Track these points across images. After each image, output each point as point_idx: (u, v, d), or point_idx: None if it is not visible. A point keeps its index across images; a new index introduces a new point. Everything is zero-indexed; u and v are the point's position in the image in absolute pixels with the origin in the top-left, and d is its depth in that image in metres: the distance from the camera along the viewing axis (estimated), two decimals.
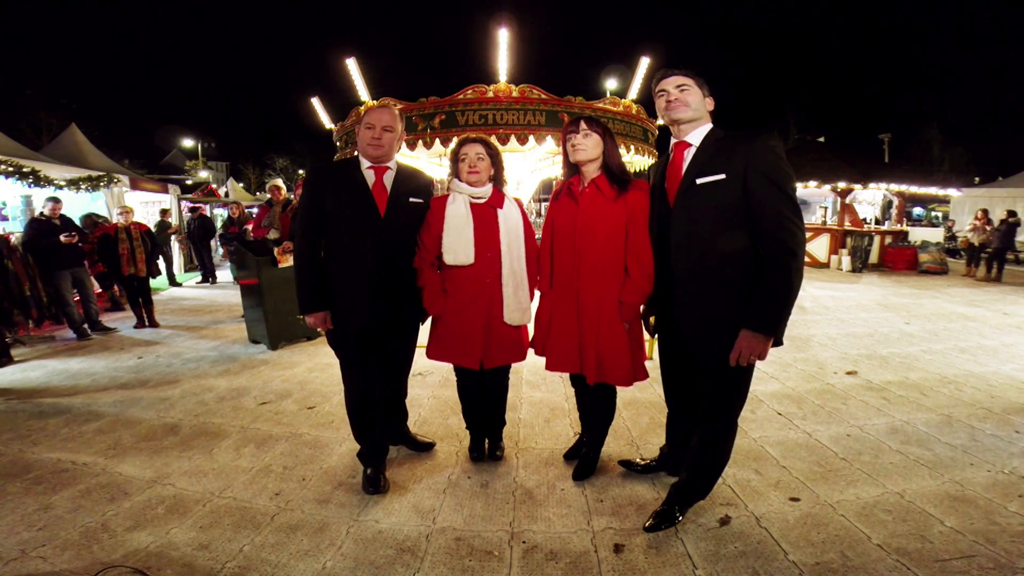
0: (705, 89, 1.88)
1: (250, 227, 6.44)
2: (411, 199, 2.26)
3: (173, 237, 9.73)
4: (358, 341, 2.25)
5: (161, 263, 8.89)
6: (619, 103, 4.70)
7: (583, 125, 2.11)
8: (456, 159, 2.30)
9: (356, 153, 2.27)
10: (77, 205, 7.95)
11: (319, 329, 2.26)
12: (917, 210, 25.11)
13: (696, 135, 1.87)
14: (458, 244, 2.21)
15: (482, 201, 2.27)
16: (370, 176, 2.21)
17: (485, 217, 2.26)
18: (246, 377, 4.01)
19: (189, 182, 23.69)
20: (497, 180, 2.33)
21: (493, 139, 3.96)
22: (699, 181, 1.80)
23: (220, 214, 13.27)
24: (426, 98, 4.25)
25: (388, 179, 2.23)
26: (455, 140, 2.40)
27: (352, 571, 1.83)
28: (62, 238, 5.24)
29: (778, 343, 1.76)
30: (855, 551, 1.89)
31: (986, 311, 6.45)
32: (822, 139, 14.35)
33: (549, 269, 2.25)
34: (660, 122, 5.04)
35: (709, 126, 1.89)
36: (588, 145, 2.09)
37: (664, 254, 1.94)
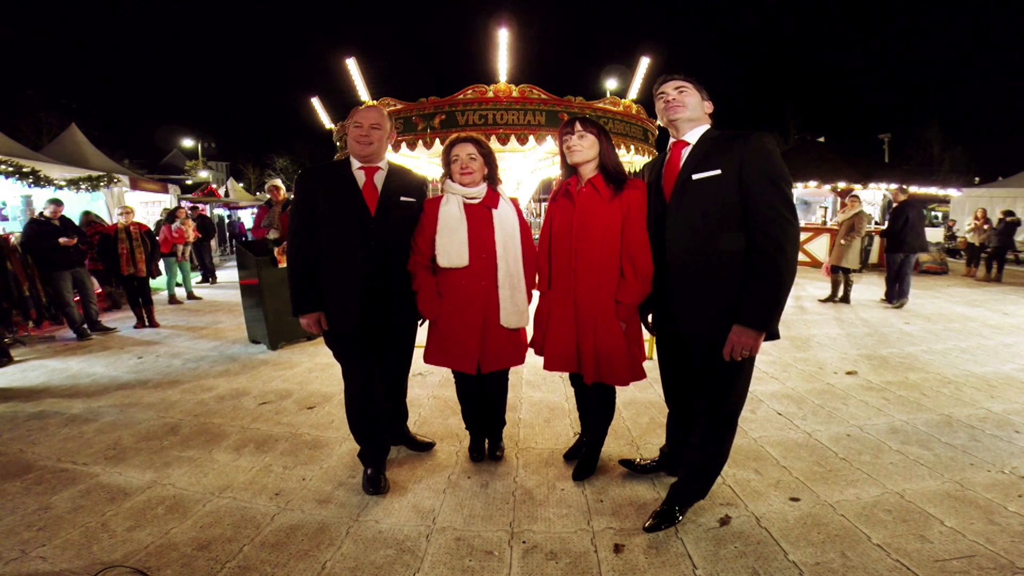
0: (704, 93, 1.92)
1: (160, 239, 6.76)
2: (403, 198, 2.25)
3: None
4: (352, 341, 2.24)
5: (161, 264, 8.88)
6: (619, 103, 4.70)
7: (578, 126, 2.10)
8: (448, 160, 2.28)
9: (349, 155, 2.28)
10: (77, 205, 7.96)
11: (313, 330, 2.26)
12: None
13: (693, 135, 1.90)
14: (451, 246, 2.19)
15: (476, 201, 2.25)
16: (360, 176, 2.21)
17: (480, 218, 2.24)
18: (246, 377, 4.01)
19: (189, 182, 23.70)
20: (491, 179, 2.31)
21: (492, 138, 3.99)
22: (695, 177, 1.81)
23: (219, 214, 13.26)
24: (426, 98, 4.25)
25: (379, 179, 2.23)
26: (447, 140, 2.38)
27: (352, 571, 1.83)
28: (61, 241, 5.25)
29: (772, 337, 1.77)
30: (855, 551, 1.89)
31: (986, 311, 6.45)
32: (822, 139, 14.32)
33: (547, 269, 2.24)
34: (660, 123, 5.05)
35: (707, 126, 1.91)
36: (584, 146, 2.08)
37: (661, 251, 1.95)
